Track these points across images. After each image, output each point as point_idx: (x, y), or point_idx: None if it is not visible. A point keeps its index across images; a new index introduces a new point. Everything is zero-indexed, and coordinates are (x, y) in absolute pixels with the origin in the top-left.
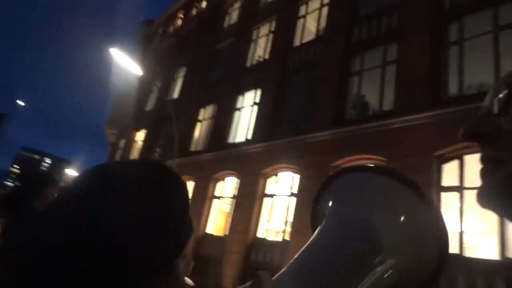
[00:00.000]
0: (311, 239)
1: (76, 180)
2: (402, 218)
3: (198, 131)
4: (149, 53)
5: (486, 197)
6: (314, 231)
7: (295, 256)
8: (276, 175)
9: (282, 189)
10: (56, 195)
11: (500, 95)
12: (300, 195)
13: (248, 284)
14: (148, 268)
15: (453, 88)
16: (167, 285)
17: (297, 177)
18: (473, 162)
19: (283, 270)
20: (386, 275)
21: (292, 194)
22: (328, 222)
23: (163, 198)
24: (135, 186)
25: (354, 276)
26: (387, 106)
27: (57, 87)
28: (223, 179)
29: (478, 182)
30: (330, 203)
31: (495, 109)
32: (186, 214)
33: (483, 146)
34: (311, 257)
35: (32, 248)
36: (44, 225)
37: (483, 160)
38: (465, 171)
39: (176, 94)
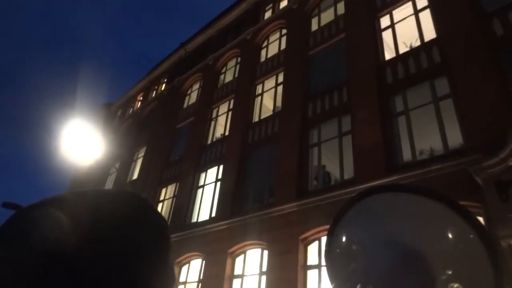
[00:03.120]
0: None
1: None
2: (451, 240)
3: (160, 211)
4: (107, 135)
5: None
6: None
7: None
8: (244, 253)
9: (251, 268)
10: None
11: None
12: (271, 273)
13: None
14: None
15: (406, 154)
16: None
17: (265, 253)
18: None
19: None
20: None
21: (262, 273)
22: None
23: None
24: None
25: None
26: (348, 174)
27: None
28: (187, 263)
29: None
30: (366, 230)
31: None
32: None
33: None
34: None
35: None
36: None
37: None
38: None
39: (135, 175)
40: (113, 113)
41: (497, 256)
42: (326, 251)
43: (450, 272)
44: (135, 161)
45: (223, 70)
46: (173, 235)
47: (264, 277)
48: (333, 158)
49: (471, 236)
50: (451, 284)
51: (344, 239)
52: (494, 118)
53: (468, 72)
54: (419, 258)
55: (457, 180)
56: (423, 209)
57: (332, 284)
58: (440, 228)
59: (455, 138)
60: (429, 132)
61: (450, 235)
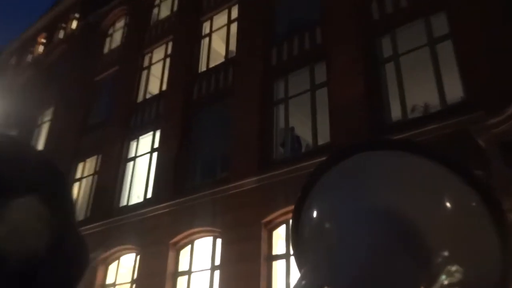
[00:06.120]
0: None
1: None
2: (449, 209)
3: (76, 193)
4: None
5: None
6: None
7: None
8: (191, 243)
9: (201, 262)
10: None
11: None
12: (226, 266)
13: None
14: None
15: (395, 112)
16: None
17: (219, 242)
18: None
19: None
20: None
21: (215, 267)
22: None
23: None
24: None
25: None
26: (323, 139)
27: None
28: (117, 259)
29: None
30: (336, 197)
31: None
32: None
33: None
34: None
35: None
36: None
37: None
38: None
39: (40, 145)
40: (4, 62)
41: (506, 228)
42: (292, 232)
43: (447, 252)
44: (40, 126)
45: (157, 1)
46: (96, 224)
47: (217, 272)
48: (304, 118)
49: (474, 204)
50: (449, 267)
51: (315, 214)
52: (500, 66)
53: (470, 8)
54: (414, 232)
55: (456, 143)
56: (415, 171)
57: (300, 272)
58: (435, 194)
59: (455, 90)
60: (424, 83)
61: (447, 204)
